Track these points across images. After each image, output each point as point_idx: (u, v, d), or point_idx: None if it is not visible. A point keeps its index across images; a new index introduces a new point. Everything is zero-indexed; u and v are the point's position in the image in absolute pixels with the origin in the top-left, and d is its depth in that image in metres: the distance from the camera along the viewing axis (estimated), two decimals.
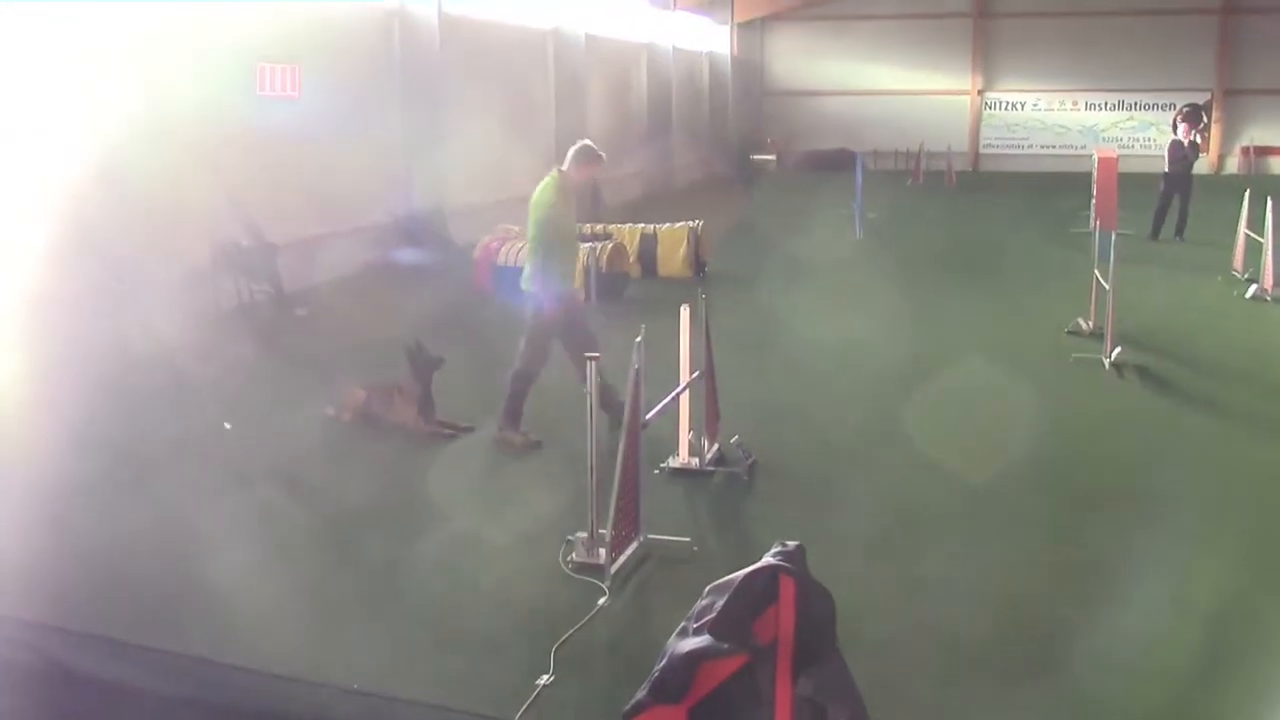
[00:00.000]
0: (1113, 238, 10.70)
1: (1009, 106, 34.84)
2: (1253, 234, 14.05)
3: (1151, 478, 7.30)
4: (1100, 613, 5.35)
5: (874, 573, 5.81)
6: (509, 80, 20.34)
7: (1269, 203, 13.38)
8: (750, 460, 7.24)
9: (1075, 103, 34.21)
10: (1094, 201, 15.08)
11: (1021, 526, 6.48)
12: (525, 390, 7.71)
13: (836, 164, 32.51)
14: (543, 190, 7.55)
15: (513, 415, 7.72)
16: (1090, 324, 11.11)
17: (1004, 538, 6.31)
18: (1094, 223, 13.31)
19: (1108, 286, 10.29)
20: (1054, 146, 34.07)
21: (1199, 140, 19.98)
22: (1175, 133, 18.99)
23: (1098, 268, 10.85)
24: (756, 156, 34.64)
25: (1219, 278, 14.50)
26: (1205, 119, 31.79)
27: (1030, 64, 34.26)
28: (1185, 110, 20.00)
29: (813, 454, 7.71)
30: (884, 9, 34.32)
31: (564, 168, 7.58)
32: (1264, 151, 32.87)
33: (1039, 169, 33.29)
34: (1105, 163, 15.72)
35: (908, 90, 34.98)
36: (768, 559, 3.01)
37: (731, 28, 32.76)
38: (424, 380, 8.03)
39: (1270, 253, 13.26)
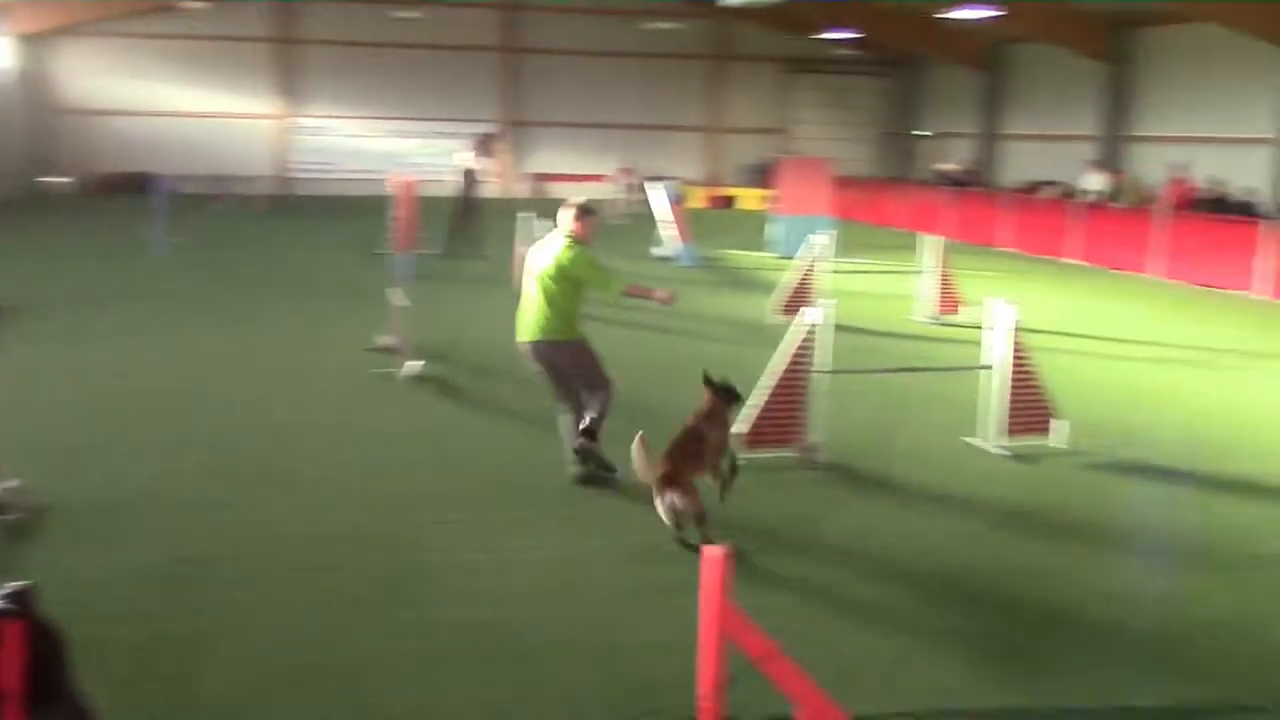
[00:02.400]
0: (410, 258, 11.33)
1: (316, 131, 35.31)
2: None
3: (439, 478, 7.82)
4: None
5: (171, 605, 5.69)
6: None
7: (536, 222, 14.81)
8: (34, 504, 6.73)
9: (379, 129, 35.49)
10: (393, 223, 15.80)
11: (320, 551, 6.65)
12: None
13: (140, 187, 31.00)
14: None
15: None
16: (390, 340, 11.64)
17: (294, 562, 6.45)
18: (392, 243, 13.92)
19: (405, 304, 10.87)
20: (360, 171, 35.07)
21: (489, 166, 21.69)
22: (467, 159, 20.42)
23: (393, 286, 11.39)
24: (49, 179, 32.03)
25: (505, 291, 15.81)
26: (495, 147, 34.53)
27: (336, 91, 35.01)
28: (477, 139, 21.61)
29: (109, 491, 7.34)
30: (183, 29, 33.25)
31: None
32: (545, 177, 36.37)
33: (346, 192, 34.13)
34: (402, 186, 16.59)
35: (215, 113, 34.23)
36: None
37: (8, 39, 29.96)
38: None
39: None
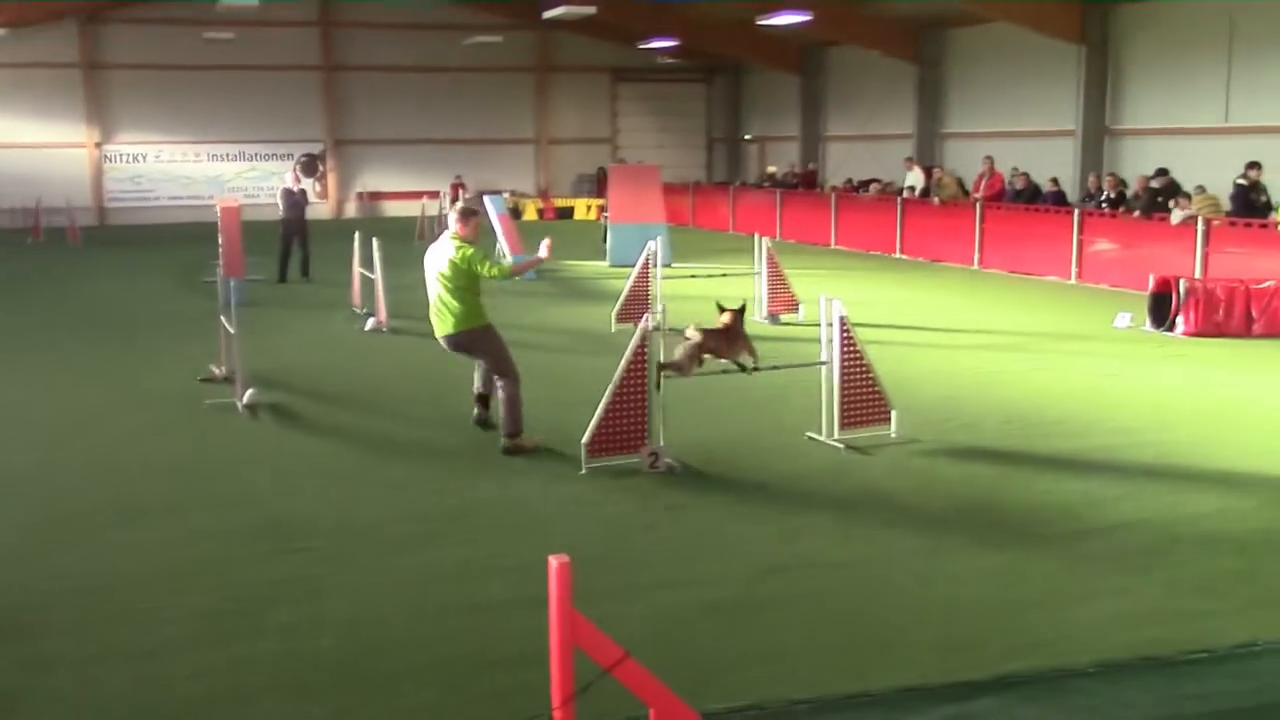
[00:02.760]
0: (238, 284, 11.06)
1: (131, 159, 34.10)
2: (365, 272, 15.29)
3: (283, 506, 7.66)
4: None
5: (3, 657, 5.44)
6: None
7: (375, 243, 14.67)
8: None
9: (199, 154, 34.47)
10: (221, 250, 15.42)
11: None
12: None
13: None
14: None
15: None
16: (222, 369, 11.33)
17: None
18: (221, 270, 13.57)
19: (233, 331, 10.60)
20: (181, 198, 34.00)
21: (316, 186, 21.31)
22: (290, 181, 19.99)
23: (224, 313, 11.09)
24: None
25: (341, 314, 15.60)
26: (321, 167, 34.00)
27: (152, 116, 33.87)
28: (302, 160, 21.22)
29: None
30: None
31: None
32: (376, 196, 35.89)
33: (168, 220, 33.11)
34: (228, 212, 16.20)
35: (18, 143, 32.75)
36: None
37: None
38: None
39: (380, 288, 14.53)
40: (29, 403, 10.85)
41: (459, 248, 8.80)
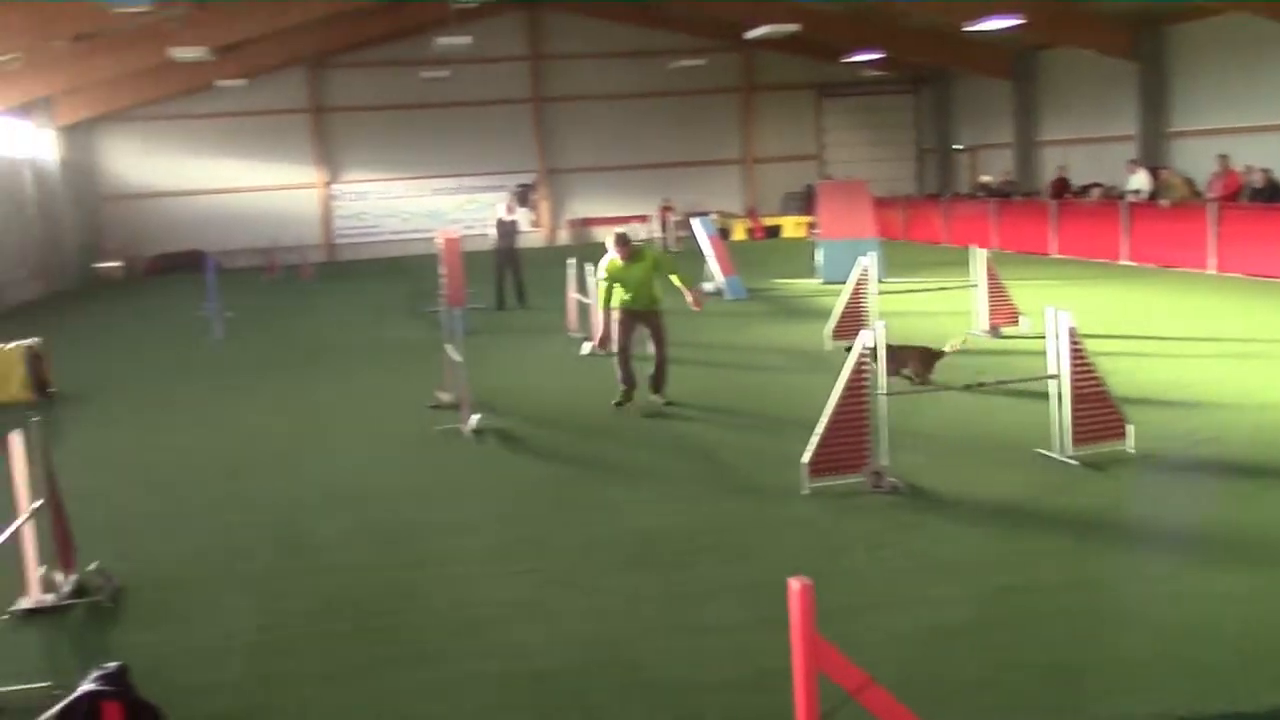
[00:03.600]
0: (461, 313, 11.42)
1: (356, 197, 35.78)
2: (580, 296, 15.57)
3: (512, 527, 7.83)
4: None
5: (251, 676, 5.72)
6: None
7: (588, 268, 14.91)
8: (115, 585, 6.83)
9: (420, 189, 35.88)
10: (443, 280, 15.94)
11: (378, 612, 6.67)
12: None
13: (189, 266, 31.54)
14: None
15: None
16: (448, 396, 11.70)
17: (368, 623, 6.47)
18: (444, 300, 14.02)
19: (459, 359, 10.94)
20: (403, 232, 35.48)
21: (531, 215, 21.85)
22: (504, 212, 20.53)
23: (448, 341, 11.46)
24: (101, 265, 32.65)
25: (557, 339, 15.93)
26: (534, 197, 34.94)
27: (374, 154, 35.47)
28: (516, 190, 21.80)
29: (186, 567, 7.41)
30: (221, 107, 33.91)
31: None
32: (587, 222, 36.57)
33: (392, 254, 34.56)
34: (449, 243, 16.72)
35: (256, 186, 34.81)
36: (86, 685, 2.88)
37: (55, 131, 30.63)
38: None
39: (595, 313, 14.74)
40: (269, 431, 11.43)
41: (647, 254, 11.46)
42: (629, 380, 11.54)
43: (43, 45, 24.73)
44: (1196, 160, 24.19)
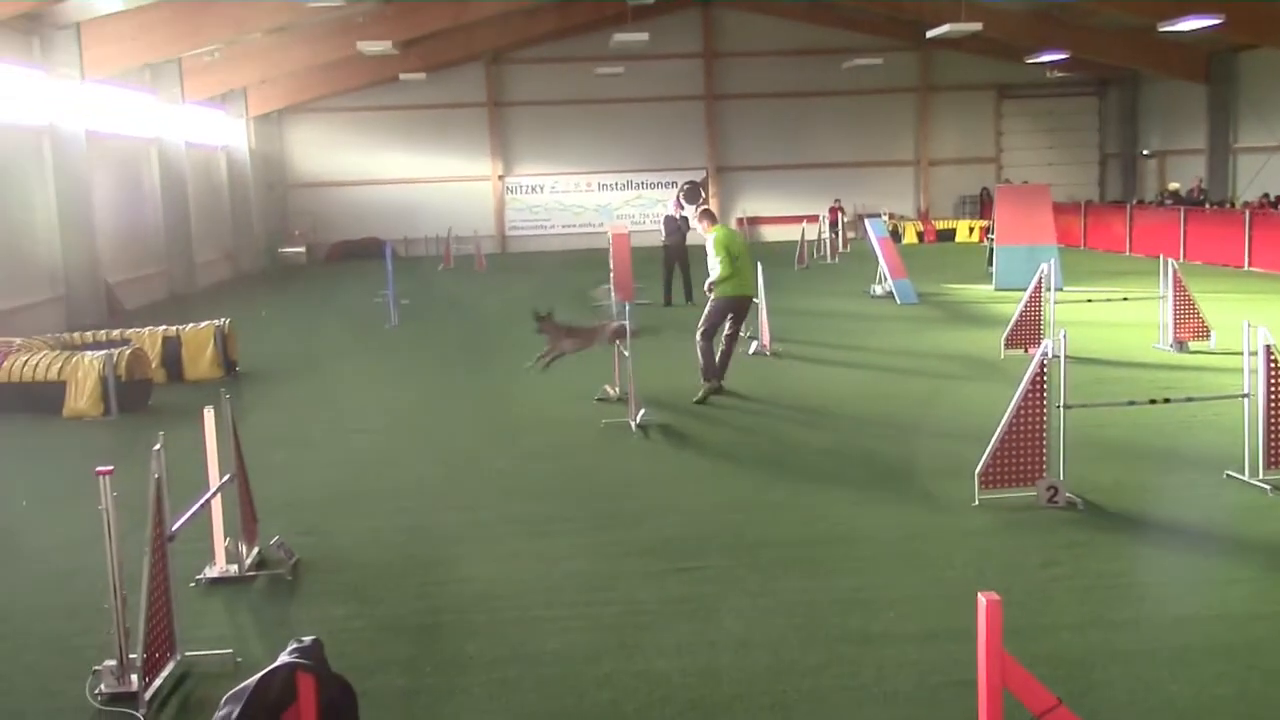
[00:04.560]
0: (628, 307, 11.49)
1: (529, 190, 36.43)
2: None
3: (675, 524, 7.83)
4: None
5: (424, 656, 5.85)
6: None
7: (757, 267, 14.80)
8: (294, 560, 7.07)
9: (590, 184, 36.31)
10: (611, 275, 16.07)
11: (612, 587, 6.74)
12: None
13: (367, 253, 32.61)
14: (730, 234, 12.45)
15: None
16: (615, 390, 11.78)
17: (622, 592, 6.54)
18: (613, 294, 14.12)
19: (627, 354, 11.00)
20: (574, 225, 36.01)
21: (694, 212, 21.81)
22: (674, 209, 20.60)
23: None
24: (285, 250, 34.00)
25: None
26: (703, 194, 34.90)
27: (546, 149, 36.10)
28: (685, 187, 21.81)
29: (363, 546, 7.63)
30: (401, 99, 34.95)
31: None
32: (756, 221, 36.45)
33: (562, 247, 35.10)
34: (618, 238, 16.82)
35: (433, 178, 35.77)
36: (284, 658, 2.97)
37: (247, 121, 32.02)
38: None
39: (763, 312, 14.67)
40: (439, 418, 11.71)
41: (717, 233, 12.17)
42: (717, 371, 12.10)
43: (240, 38, 25.86)
44: None
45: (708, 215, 12.61)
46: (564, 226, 36.19)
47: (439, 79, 34.37)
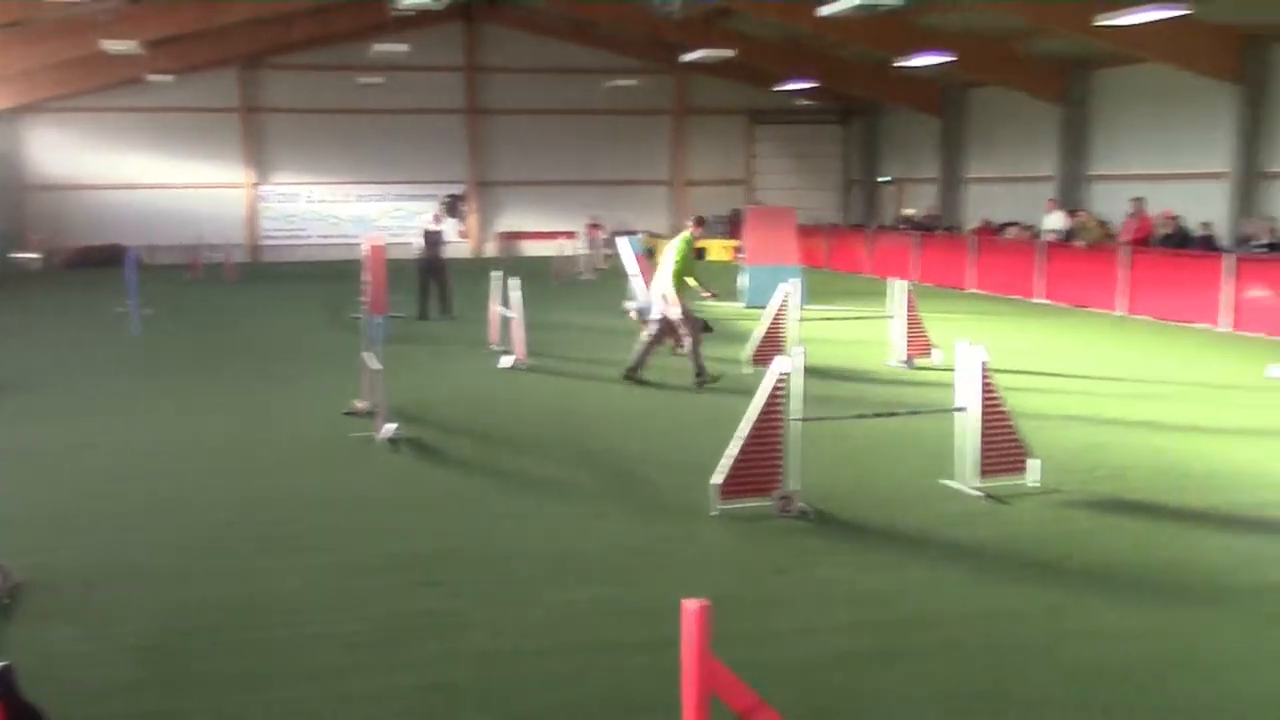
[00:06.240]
0: (383, 321, 11.39)
1: (284, 198, 35.44)
2: (503, 310, 15.59)
3: (422, 539, 7.83)
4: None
5: (152, 679, 5.67)
6: None
7: (513, 282, 14.93)
8: (14, 582, 6.72)
9: (347, 194, 35.63)
10: (366, 287, 15.86)
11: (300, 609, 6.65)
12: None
13: (110, 260, 31.02)
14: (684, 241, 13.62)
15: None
16: (365, 404, 11.65)
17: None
18: (367, 307, 13.96)
19: (378, 367, 10.91)
20: (330, 236, 35.23)
21: (459, 225, 21.84)
22: (430, 221, 20.49)
23: (368, 349, 11.42)
24: (18, 255, 31.97)
25: (479, 351, 15.93)
26: (463, 208, 34.90)
27: (304, 157, 35.19)
28: (445, 200, 21.79)
29: (90, 568, 7.30)
30: (150, 101, 33.43)
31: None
32: (515, 236, 36.59)
33: (318, 258, 34.29)
34: (374, 250, 16.66)
35: (183, 183, 34.35)
36: None
37: None
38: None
39: (518, 327, 14.79)
40: (180, 431, 11.30)
41: (684, 240, 13.57)
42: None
43: None
44: (1112, 204, 24.87)
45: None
46: (321, 237, 35.36)
47: (190, 82, 33.05)
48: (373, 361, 11.11)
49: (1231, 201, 22.12)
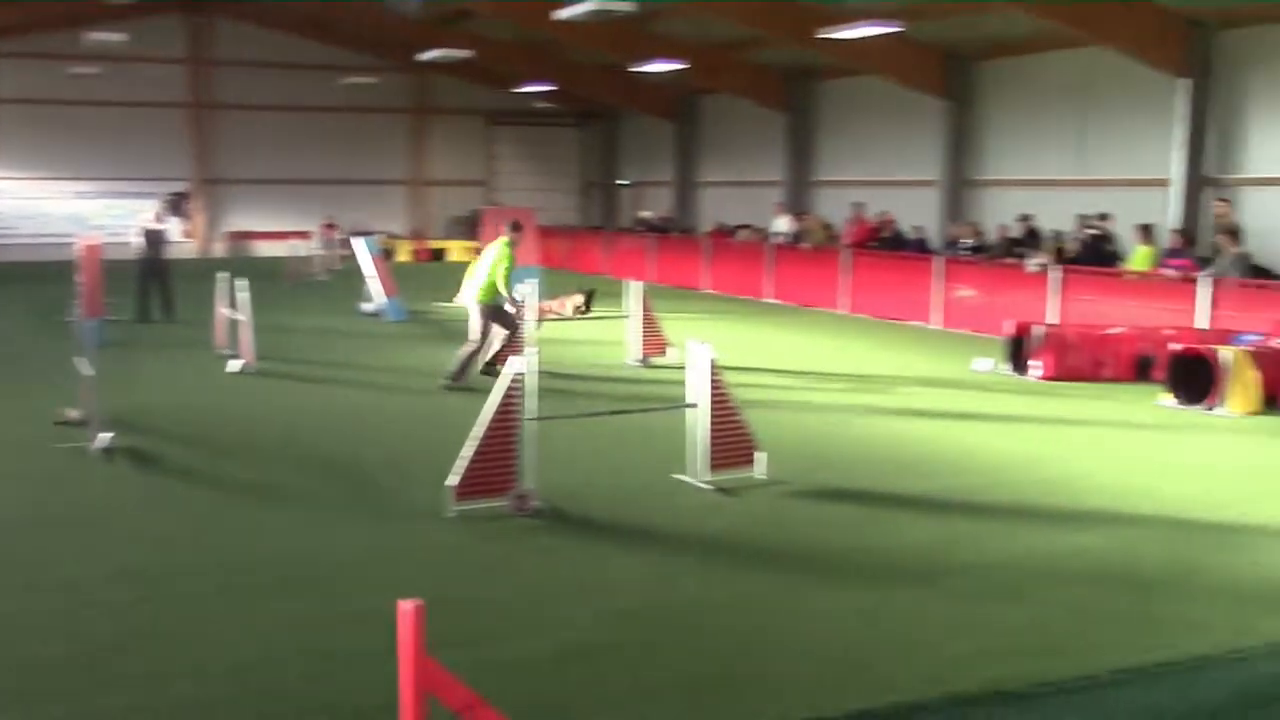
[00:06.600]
0: (98, 324, 10.76)
1: None
2: (230, 312, 14.99)
3: (138, 552, 7.44)
4: None
5: None
6: None
7: (241, 283, 14.38)
8: None
9: (61, 191, 33.45)
10: (80, 289, 14.96)
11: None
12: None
13: None
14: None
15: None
16: (77, 412, 10.97)
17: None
18: (81, 310, 13.18)
19: (88, 372, 10.29)
20: (42, 235, 32.96)
21: (183, 224, 20.88)
22: (150, 220, 19.48)
23: (82, 354, 10.77)
24: None
25: (205, 355, 15.27)
26: (187, 206, 33.34)
27: (13, 151, 32.79)
28: (168, 198, 20.78)
29: None
30: None
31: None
32: (246, 236, 35.27)
33: (29, 258, 31.99)
34: (89, 250, 15.76)
35: None
36: None
37: None
38: None
39: (247, 329, 14.26)
40: None
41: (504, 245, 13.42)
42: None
43: None
44: (836, 208, 26.14)
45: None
46: (32, 236, 33.03)
47: None
48: (85, 367, 10.47)
49: (941, 207, 23.66)
